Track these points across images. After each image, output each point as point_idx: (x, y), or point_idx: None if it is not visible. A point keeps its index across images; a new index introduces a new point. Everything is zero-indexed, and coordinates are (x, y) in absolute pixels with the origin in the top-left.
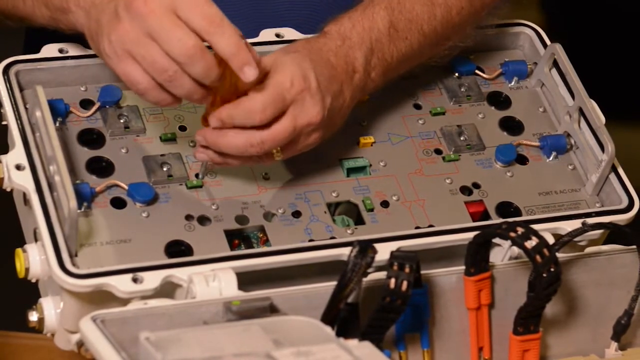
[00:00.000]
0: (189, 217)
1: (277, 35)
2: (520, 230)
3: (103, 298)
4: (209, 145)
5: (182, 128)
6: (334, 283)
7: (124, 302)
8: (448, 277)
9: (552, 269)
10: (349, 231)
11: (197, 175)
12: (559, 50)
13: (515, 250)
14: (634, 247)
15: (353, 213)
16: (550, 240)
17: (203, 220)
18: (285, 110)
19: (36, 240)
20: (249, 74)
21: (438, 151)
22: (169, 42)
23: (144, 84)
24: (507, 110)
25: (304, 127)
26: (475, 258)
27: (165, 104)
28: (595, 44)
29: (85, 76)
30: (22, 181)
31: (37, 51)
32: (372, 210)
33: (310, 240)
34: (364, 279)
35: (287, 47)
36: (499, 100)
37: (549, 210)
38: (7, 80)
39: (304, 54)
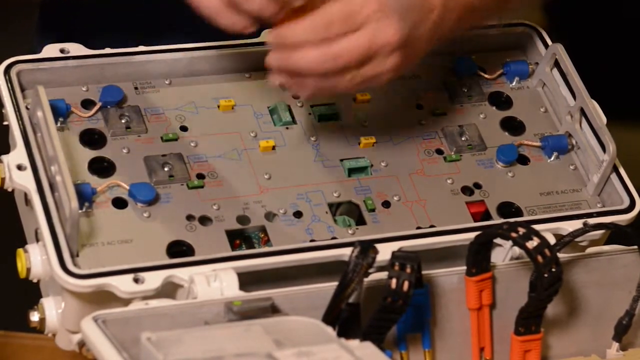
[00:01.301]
0: (190, 217)
1: None
2: (521, 230)
3: (104, 298)
4: (280, 66)
5: (184, 128)
6: (335, 283)
7: (125, 302)
8: (449, 277)
9: (553, 269)
10: (350, 231)
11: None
12: (560, 50)
13: (517, 250)
14: (636, 247)
15: (354, 213)
16: (552, 240)
17: (204, 220)
18: (358, 29)
19: (37, 240)
20: None
21: (439, 151)
22: None
23: (213, 4)
24: (509, 111)
25: (380, 46)
26: (477, 258)
27: (238, 28)
28: (597, 44)
29: (86, 76)
30: (24, 181)
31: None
32: (373, 210)
33: (312, 241)
34: (365, 279)
35: None
36: (500, 101)
37: (550, 211)
38: (9, 80)
39: None
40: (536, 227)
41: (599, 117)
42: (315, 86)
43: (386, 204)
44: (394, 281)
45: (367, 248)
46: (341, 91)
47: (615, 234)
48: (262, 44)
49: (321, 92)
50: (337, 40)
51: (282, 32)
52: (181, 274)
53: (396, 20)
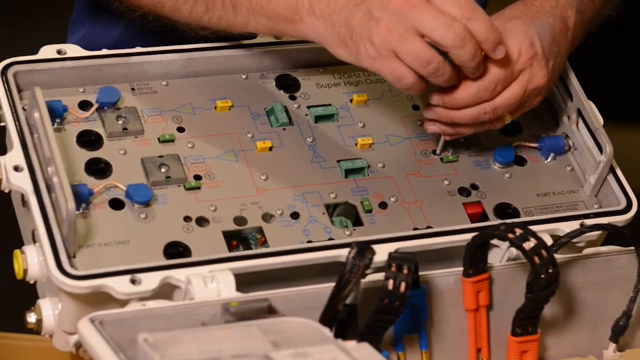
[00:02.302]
0: (187, 219)
1: (276, 37)
2: (518, 231)
3: (101, 299)
4: (440, 119)
5: (181, 129)
6: (332, 284)
7: (122, 303)
8: (446, 278)
9: (550, 270)
10: (347, 232)
11: (434, 152)
12: None
13: (514, 251)
14: (632, 248)
15: (351, 214)
16: (549, 241)
17: (201, 221)
18: (514, 80)
19: (34, 241)
20: (501, 52)
21: (436, 152)
22: (437, 30)
23: (410, 78)
24: None
25: (532, 90)
26: (474, 259)
27: (420, 93)
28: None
29: (83, 77)
30: (20, 182)
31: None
32: (370, 211)
33: (309, 242)
34: (362, 280)
35: (504, 12)
36: None
37: (547, 212)
38: (5, 81)
39: (525, 20)
40: (533, 228)
41: (596, 118)
42: (471, 132)
43: (383, 205)
44: (390, 282)
45: (364, 249)
46: (496, 128)
47: (612, 235)
48: (258, 45)
49: (476, 132)
50: (495, 97)
51: (447, 97)
52: (178, 275)
53: (544, 63)
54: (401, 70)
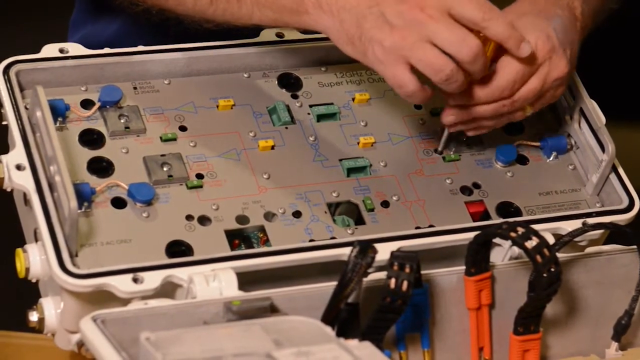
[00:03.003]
0: (189, 217)
1: (278, 35)
2: (520, 230)
3: (103, 298)
4: (460, 120)
5: (183, 128)
6: (335, 283)
7: (125, 302)
8: (448, 277)
9: (552, 269)
10: (349, 231)
11: (436, 150)
12: None
13: (516, 250)
14: (634, 247)
15: (353, 213)
16: (551, 240)
17: (203, 220)
18: (533, 73)
19: (36, 240)
20: (526, 49)
21: (437, 150)
22: (452, 44)
23: (412, 86)
24: None
25: (552, 82)
26: (476, 258)
27: (425, 101)
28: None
29: (85, 76)
30: (23, 181)
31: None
32: (372, 210)
33: (311, 240)
34: (365, 279)
35: (512, 9)
36: None
37: (550, 211)
38: (8, 80)
39: (536, 14)
40: (535, 226)
41: (598, 117)
42: (491, 125)
43: (385, 204)
44: (393, 281)
45: (366, 248)
46: (516, 120)
47: (614, 234)
48: (260, 44)
49: (497, 126)
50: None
51: (466, 97)
52: (180, 274)
53: (562, 53)
54: (404, 77)
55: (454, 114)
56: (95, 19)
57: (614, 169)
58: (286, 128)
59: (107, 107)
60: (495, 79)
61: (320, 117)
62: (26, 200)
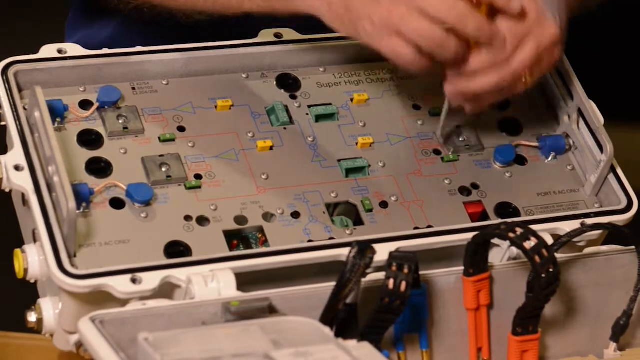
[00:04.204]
0: (187, 218)
1: (276, 36)
2: (519, 230)
3: (102, 299)
4: (460, 92)
5: (181, 129)
6: (333, 284)
7: (123, 302)
8: (447, 277)
9: (550, 270)
10: (347, 232)
11: (435, 151)
12: None
13: (514, 250)
14: (633, 247)
15: (352, 213)
16: (549, 240)
17: (202, 220)
18: (525, 38)
19: (35, 240)
20: (516, 4)
21: (437, 152)
22: (440, 9)
23: (411, 55)
24: (506, 111)
25: (547, 46)
26: (474, 258)
27: (424, 70)
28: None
29: (84, 77)
30: (21, 182)
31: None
32: (370, 210)
33: (309, 241)
34: (363, 280)
35: None
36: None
37: (548, 211)
38: (6, 80)
39: None
40: (534, 227)
41: (597, 117)
42: (494, 99)
43: (384, 205)
44: (391, 281)
45: (364, 248)
46: (519, 92)
47: (613, 234)
48: (259, 44)
49: (500, 99)
50: (510, 59)
51: (462, 65)
52: (179, 275)
53: (551, 17)
54: (401, 48)
55: (453, 82)
56: (91, 22)
57: (613, 169)
58: (284, 128)
59: (106, 107)
60: (488, 45)
61: (319, 118)
62: (24, 201)
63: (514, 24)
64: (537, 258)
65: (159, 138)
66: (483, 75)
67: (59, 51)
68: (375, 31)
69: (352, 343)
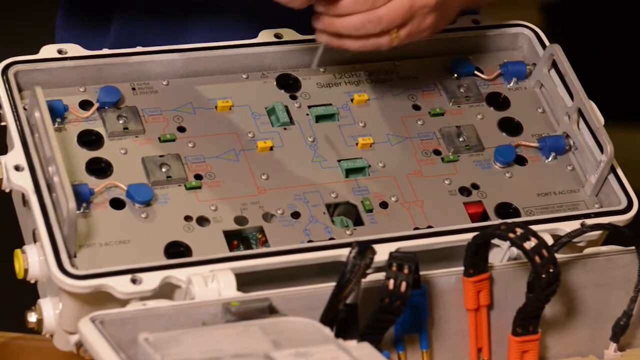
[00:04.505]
0: (187, 218)
1: (276, 36)
2: (519, 231)
3: (102, 299)
4: (325, 29)
5: (181, 129)
6: (333, 284)
7: (123, 303)
8: (447, 278)
9: (551, 270)
10: (347, 232)
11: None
12: (557, 51)
13: (514, 251)
14: (633, 248)
15: (352, 214)
16: (549, 241)
17: (202, 221)
18: None
19: (35, 241)
20: None
21: (437, 152)
22: None
23: None
24: (506, 111)
25: (420, 7)
26: (474, 259)
27: (298, 4)
28: (595, 44)
29: (84, 77)
30: (21, 182)
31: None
32: (371, 211)
33: (309, 241)
34: (363, 280)
35: None
36: (498, 101)
37: (548, 211)
38: (6, 81)
39: None
40: (534, 227)
41: (597, 117)
42: (357, 46)
43: (384, 205)
44: (391, 282)
45: (364, 249)
46: (383, 48)
47: (613, 235)
48: (259, 44)
49: (364, 50)
50: (379, 6)
51: (330, 2)
52: (179, 275)
53: None
54: None
55: (320, 20)
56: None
57: (613, 169)
58: (285, 129)
59: (106, 107)
60: None
61: (319, 118)
62: (25, 201)
63: None
64: (537, 258)
65: (159, 138)
66: (349, 16)
67: (59, 51)
68: None
69: (352, 343)
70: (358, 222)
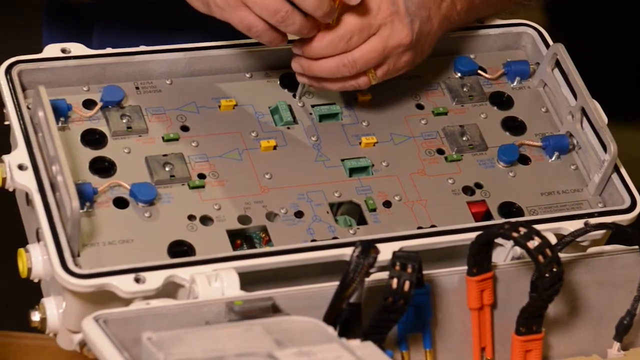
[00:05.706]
0: (191, 217)
1: None
2: (522, 230)
3: (105, 298)
4: (304, 72)
5: (185, 128)
6: (336, 283)
7: (126, 302)
8: (450, 277)
9: (554, 269)
10: (351, 231)
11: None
12: (561, 50)
13: (518, 250)
14: (637, 247)
15: (355, 213)
16: (553, 240)
17: (205, 220)
18: (373, 34)
19: (38, 240)
20: None
21: (440, 151)
22: None
23: (259, 26)
24: (510, 111)
25: (393, 48)
26: (478, 258)
27: (277, 43)
28: (598, 44)
29: (87, 76)
30: (25, 181)
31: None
32: (374, 210)
33: (313, 241)
34: (366, 279)
35: None
36: (501, 101)
37: (552, 211)
38: (10, 80)
39: None
40: (537, 227)
41: (600, 117)
42: (337, 87)
43: (387, 204)
44: (395, 281)
45: (368, 248)
46: (363, 88)
47: (616, 234)
48: (262, 44)
49: (345, 90)
50: (353, 49)
51: (305, 47)
52: (182, 274)
53: (408, 22)
54: (250, 19)
55: (298, 62)
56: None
57: (616, 169)
58: (288, 128)
59: (109, 107)
60: (331, 30)
61: (322, 117)
62: (28, 200)
63: (361, 18)
64: (540, 258)
65: (163, 137)
66: (324, 59)
67: (63, 50)
68: (225, 3)
69: (355, 342)
70: (361, 221)
